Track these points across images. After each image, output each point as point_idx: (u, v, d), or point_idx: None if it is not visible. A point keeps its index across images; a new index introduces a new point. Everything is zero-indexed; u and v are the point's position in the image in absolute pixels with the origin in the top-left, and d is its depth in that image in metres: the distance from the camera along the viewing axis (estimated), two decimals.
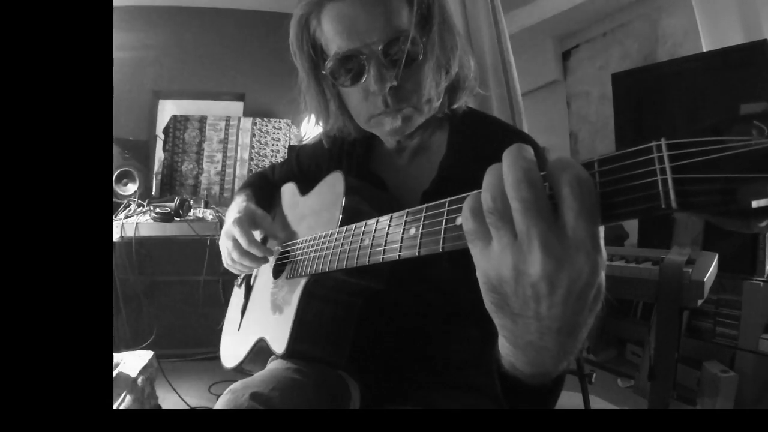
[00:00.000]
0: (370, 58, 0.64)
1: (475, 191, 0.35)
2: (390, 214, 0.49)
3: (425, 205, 0.44)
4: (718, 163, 0.27)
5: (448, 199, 0.41)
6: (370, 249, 0.52)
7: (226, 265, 0.82)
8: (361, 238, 0.54)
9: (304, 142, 2.70)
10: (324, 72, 0.69)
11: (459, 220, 0.39)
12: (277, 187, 0.94)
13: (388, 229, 0.49)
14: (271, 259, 0.82)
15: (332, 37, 0.66)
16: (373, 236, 0.51)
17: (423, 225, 0.43)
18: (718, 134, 0.27)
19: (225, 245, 0.79)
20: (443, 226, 0.41)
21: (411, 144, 0.77)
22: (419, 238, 0.44)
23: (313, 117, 0.96)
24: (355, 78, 0.66)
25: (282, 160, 2.85)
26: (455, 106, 0.74)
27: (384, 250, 0.49)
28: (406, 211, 0.47)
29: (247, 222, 0.77)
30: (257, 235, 0.80)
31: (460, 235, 0.38)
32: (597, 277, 0.31)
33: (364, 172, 0.79)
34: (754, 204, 0.26)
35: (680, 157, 0.28)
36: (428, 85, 0.67)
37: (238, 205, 0.82)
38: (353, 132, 0.77)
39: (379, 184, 0.77)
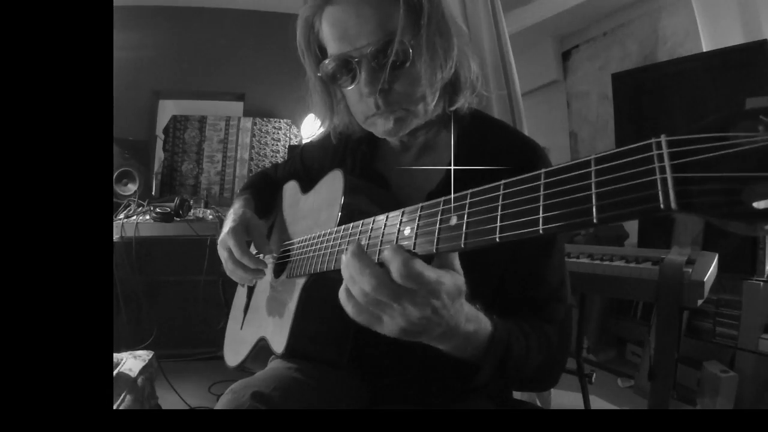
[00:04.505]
0: (361, 61, 0.65)
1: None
2: (386, 213, 0.49)
3: (420, 204, 0.44)
4: (721, 161, 0.25)
5: (443, 198, 0.41)
6: (367, 249, 0.51)
7: (227, 273, 0.82)
8: (358, 237, 0.54)
9: (305, 142, 2.70)
10: (319, 74, 0.70)
11: (453, 221, 0.39)
12: (279, 187, 0.94)
13: (384, 229, 0.48)
14: (271, 259, 0.82)
15: (329, 41, 0.67)
16: (370, 235, 0.51)
17: (418, 225, 0.43)
18: (722, 130, 0.25)
19: (221, 255, 0.79)
20: (437, 227, 0.41)
21: (416, 143, 0.77)
22: (414, 238, 0.43)
23: (315, 117, 0.96)
24: (350, 80, 0.67)
25: (283, 159, 2.86)
26: (455, 107, 0.73)
27: (380, 250, 0.48)
28: (402, 210, 0.46)
29: (242, 231, 0.77)
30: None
31: (455, 236, 0.39)
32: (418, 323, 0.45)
33: (368, 170, 0.79)
34: (756, 205, 0.24)
35: (681, 154, 0.27)
36: (421, 88, 0.67)
37: (234, 212, 0.82)
38: (358, 130, 0.78)
39: (382, 183, 0.76)
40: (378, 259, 0.49)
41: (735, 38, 2.13)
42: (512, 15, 2.77)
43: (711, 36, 2.31)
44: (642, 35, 2.80)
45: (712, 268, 1.22)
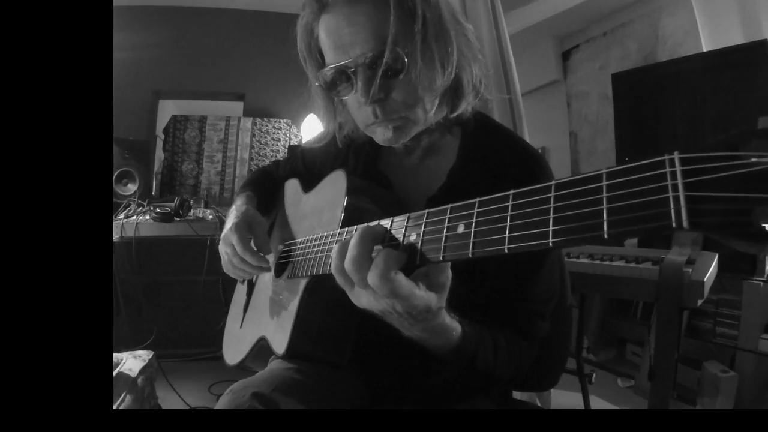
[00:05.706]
0: (357, 71, 0.64)
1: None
2: (392, 218, 0.48)
3: (427, 210, 0.44)
4: (733, 180, 0.25)
5: (450, 206, 0.41)
6: None
7: (225, 270, 0.82)
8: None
9: (305, 142, 2.70)
10: (317, 84, 0.70)
11: (461, 229, 0.39)
12: (280, 184, 0.94)
13: (389, 233, 0.48)
14: (272, 258, 0.82)
15: (326, 49, 0.67)
16: None
17: (424, 231, 0.43)
18: (734, 148, 0.25)
19: (224, 251, 0.79)
20: (444, 234, 0.40)
21: (420, 146, 0.76)
22: (419, 244, 0.43)
23: (318, 120, 0.96)
24: (348, 89, 0.67)
25: (283, 157, 2.85)
26: (458, 113, 0.72)
27: None
28: (408, 215, 0.46)
29: (245, 228, 0.76)
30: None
31: (462, 244, 0.38)
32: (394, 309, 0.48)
33: (371, 169, 0.79)
34: (765, 226, 0.24)
35: (694, 172, 0.26)
36: (419, 95, 0.66)
37: (237, 208, 0.82)
38: (363, 135, 0.77)
39: (385, 183, 0.76)
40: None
41: (735, 38, 2.13)
42: (512, 15, 2.76)
43: (711, 36, 2.30)
44: (642, 35, 2.80)
45: (712, 268, 1.22)
